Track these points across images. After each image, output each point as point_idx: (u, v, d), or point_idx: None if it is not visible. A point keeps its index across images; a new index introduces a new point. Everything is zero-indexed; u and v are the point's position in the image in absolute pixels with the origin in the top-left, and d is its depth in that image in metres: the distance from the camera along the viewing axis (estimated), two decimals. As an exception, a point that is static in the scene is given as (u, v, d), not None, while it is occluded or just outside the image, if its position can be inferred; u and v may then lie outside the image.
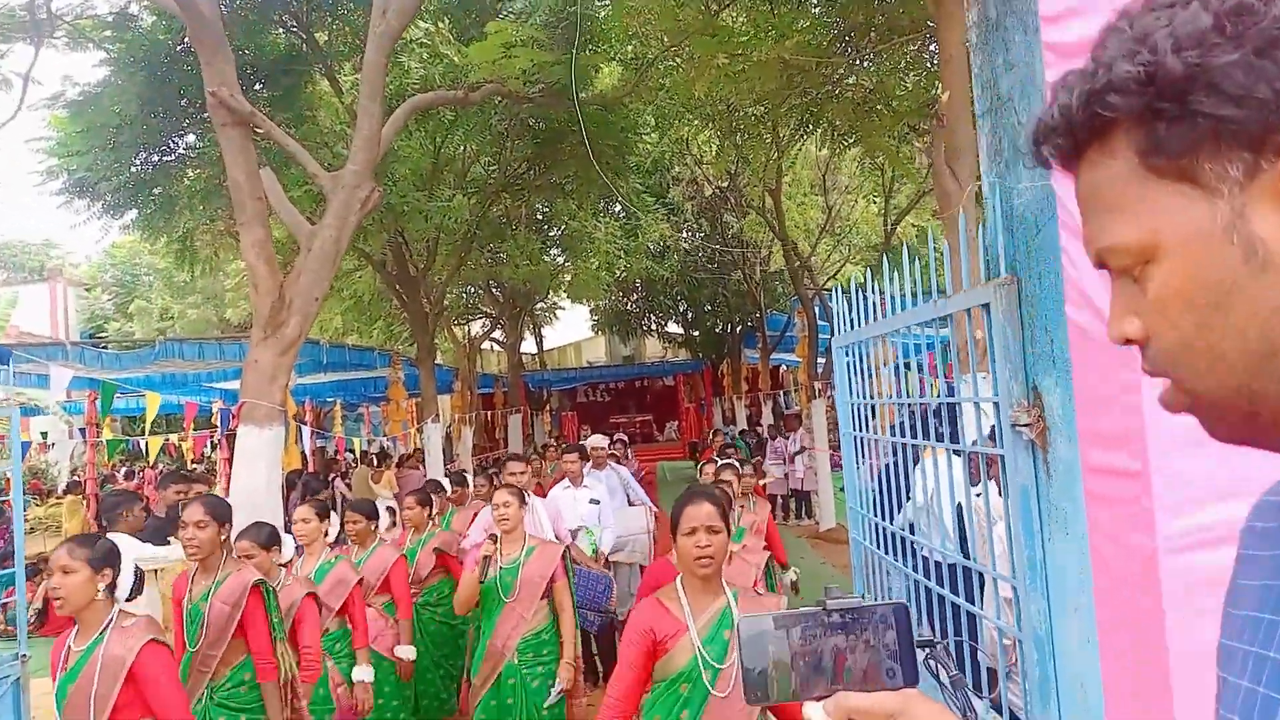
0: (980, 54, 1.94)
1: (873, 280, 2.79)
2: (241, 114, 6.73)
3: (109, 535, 3.79)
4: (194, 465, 13.14)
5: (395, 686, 4.66)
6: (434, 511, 5.94)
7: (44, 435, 14.52)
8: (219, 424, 10.16)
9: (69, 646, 2.90)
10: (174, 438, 11.77)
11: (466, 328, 17.68)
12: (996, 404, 1.87)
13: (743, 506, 5.11)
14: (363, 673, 4.26)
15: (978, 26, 1.94)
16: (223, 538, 3.63)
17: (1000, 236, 1.86)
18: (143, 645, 2.83)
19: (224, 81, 6.77)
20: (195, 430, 10.84)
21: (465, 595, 4.09)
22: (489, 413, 17.89)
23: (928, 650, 0.90)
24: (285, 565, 4.03)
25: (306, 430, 9.08)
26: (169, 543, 4.89)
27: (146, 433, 9.84)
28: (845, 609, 0.83)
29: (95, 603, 2.85)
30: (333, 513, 4.89)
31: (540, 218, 14.44)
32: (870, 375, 2.96)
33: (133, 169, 10.98)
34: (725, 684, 2.51)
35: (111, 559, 2.91)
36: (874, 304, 2.82)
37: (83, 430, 13.00)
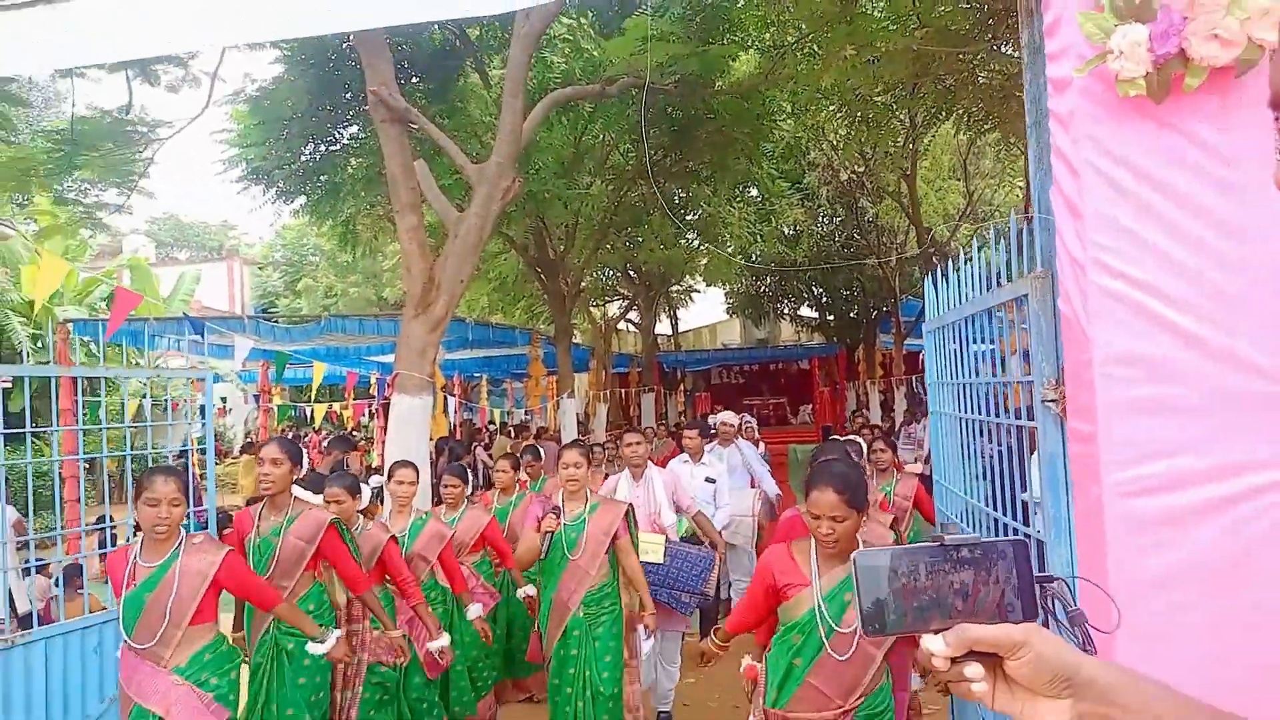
0: (1029, 73, 2.19)
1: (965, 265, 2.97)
2: (398, 111, 7.40)
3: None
4: (354, 431, 14.28)
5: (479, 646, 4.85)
6: (521, 476, 6.14)
7: (223, 400, 16.05)
8: (376, 394, 11.06)
9: (135, 563, 3.21)
10: (336, 406, 12.84)
11: (604, 309, 18.31)
12: (1032, 382, 2.14)
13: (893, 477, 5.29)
14: (474, 610, 4.56)
15: (1026, 49, 2.19)
16: (294, 477, 3.90)
17: (1038, 235, 2.11)
18: (223, 556, 3.27)
19: (383, 80, 7.45)
20: (355, 399, 11.82)
21: (525, 554, 4.17)
22: (624, 391, 18.47)
23: (1046, 587, 0.88)
24: (363, 511, 4.31)
25: (453, 401, 9.80)
26: (320, 494, 5.55)
27: (313, 400, 10.83)
28: (964, 544, 0.84)
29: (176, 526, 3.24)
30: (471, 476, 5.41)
31: (677, 202, 14.82)
32: (954, 358, 3.20)
33: (302, 158, 12.01)
34: (845, 647, 2.60)
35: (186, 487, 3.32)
36: (957, 290, 3.06)
37: (256, 397, 14.33)
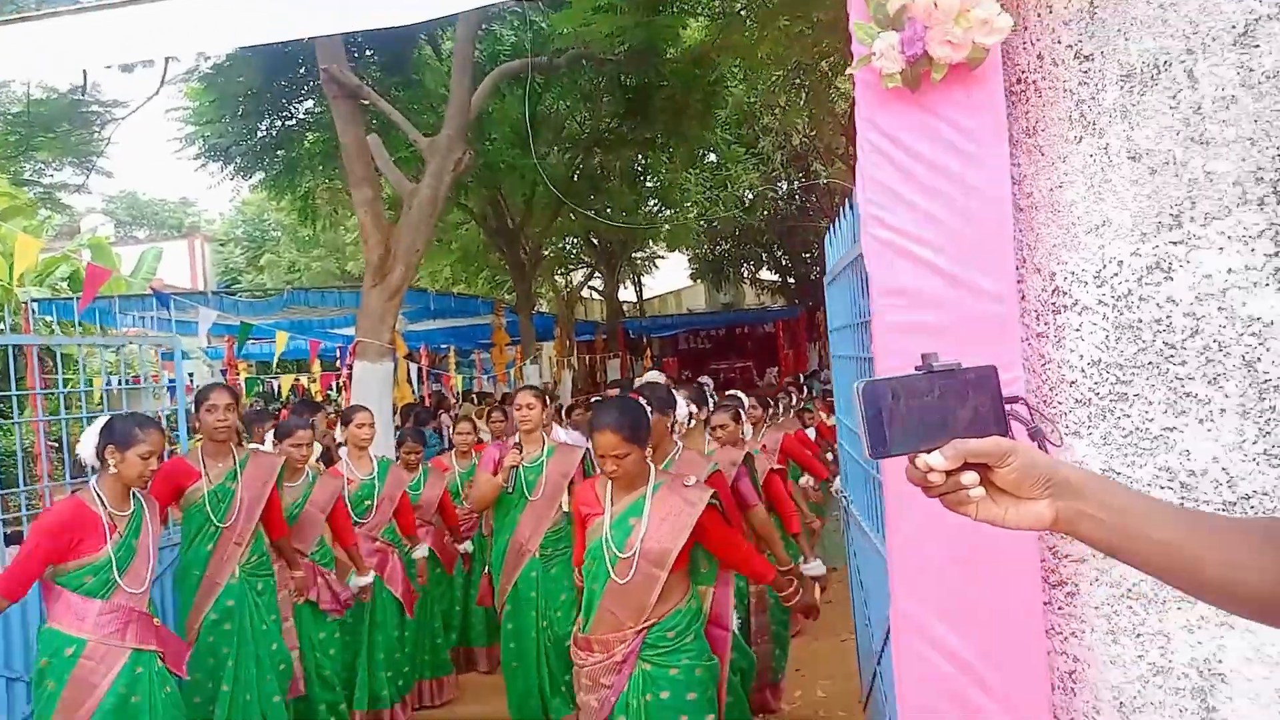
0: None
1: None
2: (349, 87, 7.73)
3: (250, 445, 4.72)
4: (324, 404, 14.61)
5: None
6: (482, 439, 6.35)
7: (190, 376, 16.31)
8: (341, 364, 11.42)
9: (111, 516, 3.23)
10: (303, 378, 13.17)
11: (567, 277, 18.69)
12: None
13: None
14: (420, 550, 4.95)
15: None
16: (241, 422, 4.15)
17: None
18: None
19: (334, 58, 7.76)
20: (321, 370, 12.15)
21: (482, 494, 4.27)
22: (589, 358, 18.91)
23: (1011, 406, 0.96)
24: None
25: (414, 368, 10.16)
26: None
27: (274, 370, 11.15)
28: (945, 369, 0.94)
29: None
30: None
31: (637, 171, 15.16)
32: (851, 303, 3.63)
33: (258, 134, 12.25)
34: (626, 570, 2.78)
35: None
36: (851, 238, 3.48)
37: (223, 372, 14.62)
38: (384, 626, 4.70)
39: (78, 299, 8.85)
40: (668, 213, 15.34)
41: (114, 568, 3.13)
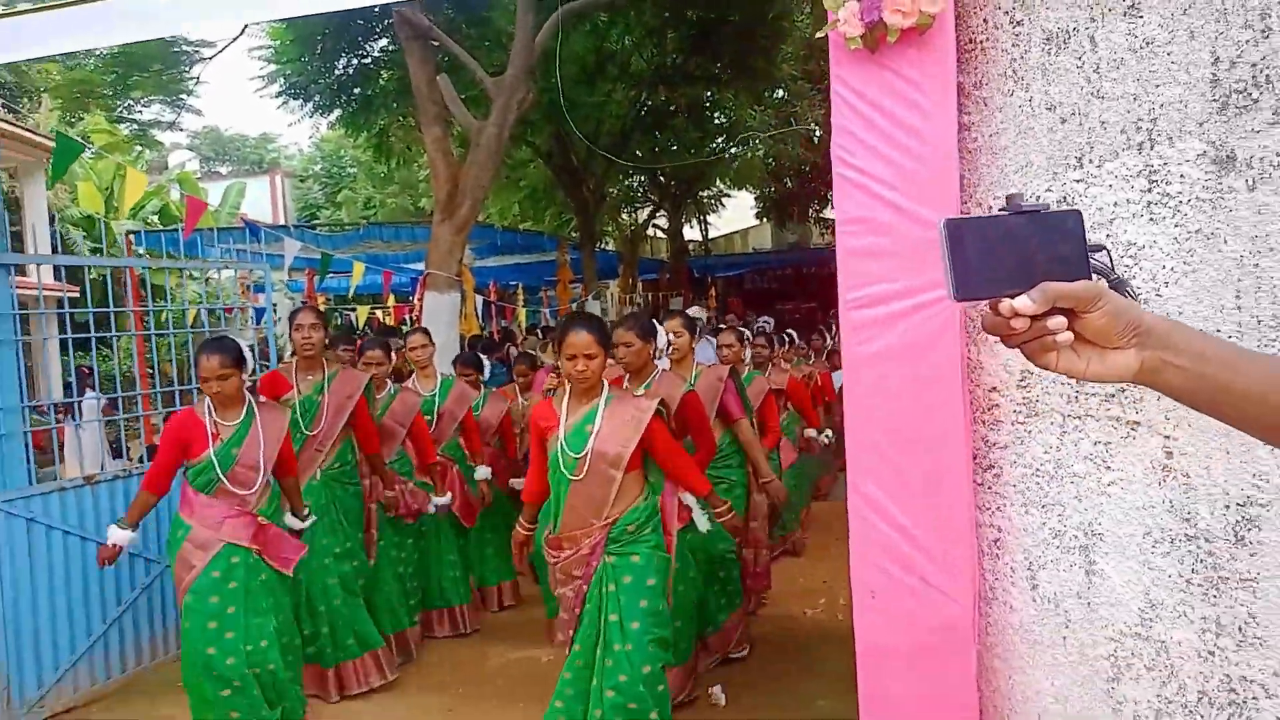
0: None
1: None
2: (420, 28, 8.21)
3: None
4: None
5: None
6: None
7: (274, 308, 17.28)
8: (413, 297, 12.11)
9: (215, 423, 3.60)
10: (378, 310, 13.93)
11: (633, 215, 19.08)
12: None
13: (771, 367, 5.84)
14: (482, 472, 5.20)
15: None
16: (326, 342, 4.45)
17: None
18: (287, 417, 3.82)
19: (407, -1, 8.24)
20: (394, 303, 12.85)
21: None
22: (653, 295, 19.37)
23: (1094, 254, 0.93)
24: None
25: (481, 302, 10.76)
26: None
27: (350, 299, 11.85)
28: (1031, 209, 0.91)
29: (239, 393, 3.64)
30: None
31: (704, 107, 15.37)
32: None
33: (336, 72, 12.86)
34: (580, 470, 3.09)
35: (244, 356, 3.63)
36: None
37: (304, 304, 15.50)
38: (444, 536, 5.17)
39: (175, 230, 9.60)
40: (733, 150, 15.56)
41: (216, 469, 3.54)
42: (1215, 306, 1.94)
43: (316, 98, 13.26)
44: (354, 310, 14.65)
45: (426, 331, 5.45)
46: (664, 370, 4.27)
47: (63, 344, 7.34)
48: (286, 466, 3.89)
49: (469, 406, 5.28)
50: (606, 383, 3.22)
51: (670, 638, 3.27)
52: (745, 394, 4.44)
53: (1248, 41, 1.85)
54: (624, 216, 18.81)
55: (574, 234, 15.28)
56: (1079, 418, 2.20)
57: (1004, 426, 2.39)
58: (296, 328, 4.38)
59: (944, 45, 2.32)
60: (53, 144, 9.24)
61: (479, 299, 10.71)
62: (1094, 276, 0.90)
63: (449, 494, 4.98)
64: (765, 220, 21.39)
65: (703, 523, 3.74)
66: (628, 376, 4.00)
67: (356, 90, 13.22)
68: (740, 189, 18.50)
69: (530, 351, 7.57)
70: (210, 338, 3.76)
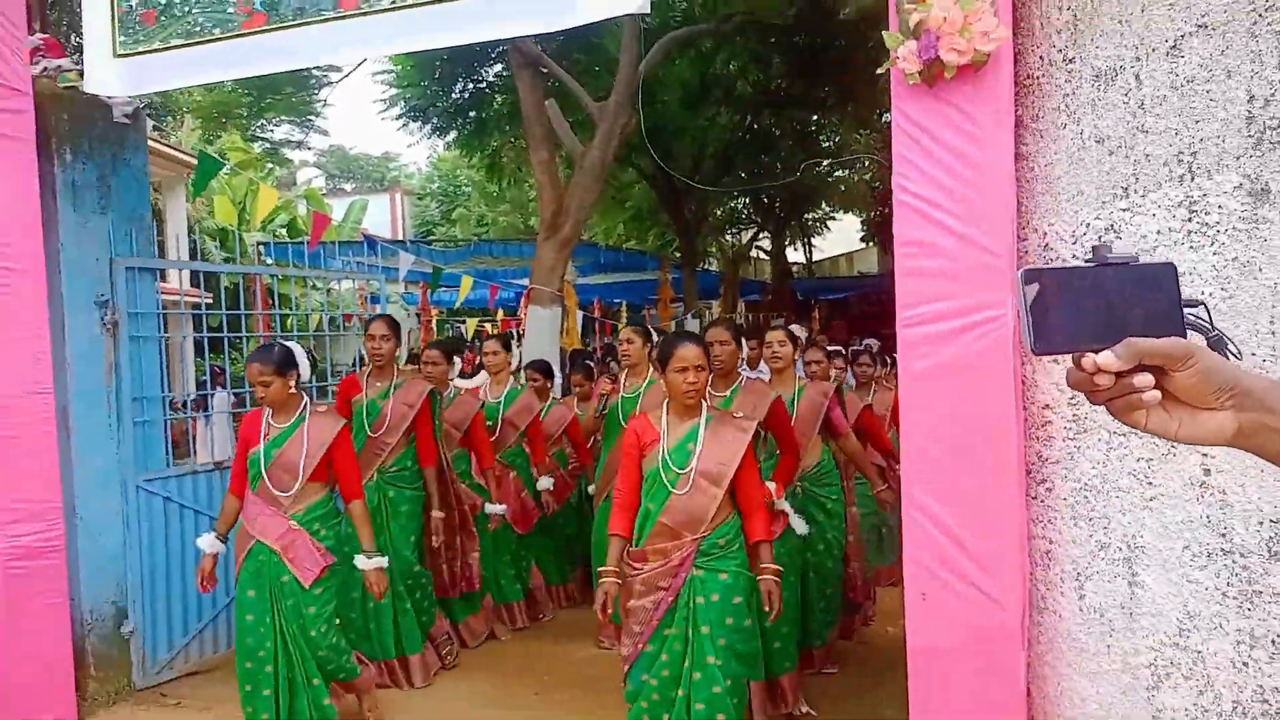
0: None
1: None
2: (530, 56, 8.63)
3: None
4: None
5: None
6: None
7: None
8: (520, 310, 12.57)
9: (268, 423, 3.66)
10: (486, 324, 14.49)
11: (737, 236, 19.25)
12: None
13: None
14: (544, 483, 5.25)
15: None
16: (397, 353, 4.54)
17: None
18: (340, 427, 3.74)
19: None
20: (503, 316, 13.36)
21: (586, 427, 4.93)
22: (754, 316, 19.48)
23: (1189, 309, 0.87)
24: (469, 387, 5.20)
25: (581, 316, 11.12)
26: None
27: (457, 309, 12.38)
28: (1119, 261, 0.85)
29: (291, 396, 3.66)
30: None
31: (809, 132, 15.47)
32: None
33: (453, 96, 13.52)
34: (684, 485, 3.11)
35: (292, 363, 3.65)
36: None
37: (418, 316, 16.21)
38: (500, 535, 5.20)
39: (301, 242, 10.26)
40: (838, 173, 15.59)
41: (261, 464, 3.62)
42: (1251, 331, 2.04)
43: (434, 120, 13.95)
44: (463, 322, 15.25)
45: (503, 339, 5.66)
46: (749, 377, 4.26)
47: (197, 345, 7.95)
48: (350, 486, 3.80)
49: (535, 415, 5.33)
50: (704, 402, 3.27)
51: (757, 653, 3.36)
52: (845, 408, 4.48)
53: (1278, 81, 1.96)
54: (727, 238, 19.00)
55: (676, 254, 15.55)
56: (1124, 435, 2.31)
57: (1056, 443, 2.51)
58: (369, 337, 4.56)
59: (999, 80, 2.47)
60: (194, 160, 10.00)
61: (581, 315, 11.05)
62: (1189, 333, 0.85)
63: (502, 504, 5.01)
64: (870, 244, 21.25)
65: (800, 525, 3.91)
66: (710, 382, 3.92)
67: (471, 114, 13.83)
68: (846, 212, 18.48)
69: (589, 363, 7.69)
70: (260, 345, 3.88)
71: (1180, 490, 2.19)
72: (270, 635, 3.62)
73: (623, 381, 4.93)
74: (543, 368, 5.84)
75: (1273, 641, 2.03)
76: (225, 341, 6.34)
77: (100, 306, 4.23)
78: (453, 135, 14.36)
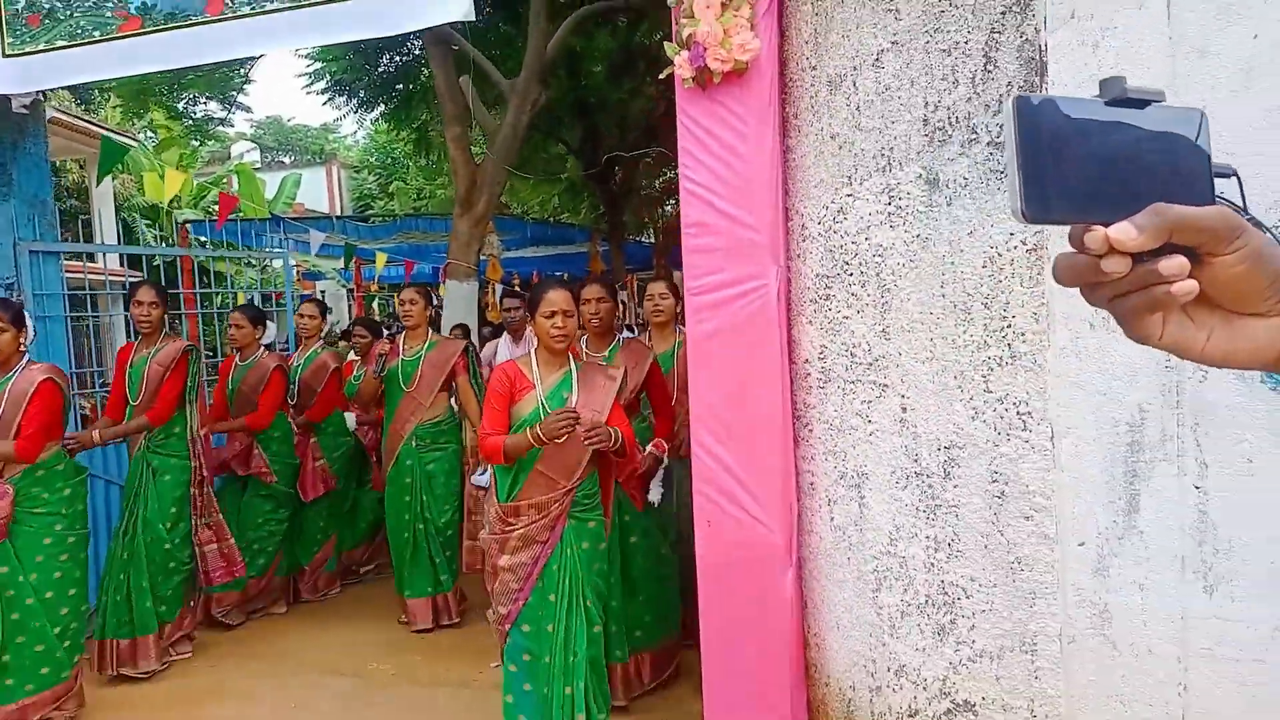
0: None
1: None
2: (443, 34, 8.97)
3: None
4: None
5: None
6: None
7: (322, 293, 18.41)
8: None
9: None
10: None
11: (662, 208, 19.71)
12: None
13: None
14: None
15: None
16: (166, 317, 4.65)
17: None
18: (40, 380, 3.70)
19: (432, 7, 9.01)
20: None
21: (365, 389, 5.08)
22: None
23: (1225, 177, 0.65)
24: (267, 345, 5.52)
25: (500, 290, 11.53)
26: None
27: (376, 284, 12.76)
28: (1138, 96, 0.63)
29: (16, 353, 3.71)
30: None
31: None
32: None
33: (379, 69, 13.78)
34: None
35: (21, 320, 3.72)
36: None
37: (350, 291, 16.49)
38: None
39: (232, 220, 10.57)
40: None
41: None
42: (930, 293, 2.56)
43: (361, 94, 14.18)
44: (393, 297, 15.57)
45: (318, 302, 6.05)
46: (628, 337, 4.32)
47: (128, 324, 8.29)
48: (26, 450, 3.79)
49: (328, 374, 5.67)
50: (571, 352, 3.34)
51: (606, 596, 3.44)
52: None
53: (944, 91, 2.47)
54: (665, 209, 19.45)
55: (605, 226, 15.99)
56: (853, 382, 2.84)
57: (814, 391, 3.03)
58: (137, 303, 4.60)
59: (760, 84, 2.97)
60: (121, 138, 10.20)
61: (502, 288, 11.47)
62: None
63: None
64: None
65: (655, 493, 4.01)
66: (585, 340, 4.11)
67: (399, 87, 14.08)
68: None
69: (374, 319, 8.16)
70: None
71: (888, 425, 2.72)
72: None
73: (401, 344, 5.01)
74: (369, 324, 6.57)
75: (949, 544, 2.57)
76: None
77: (5, 289, 4.61)
78: (379, 110, 14.61)
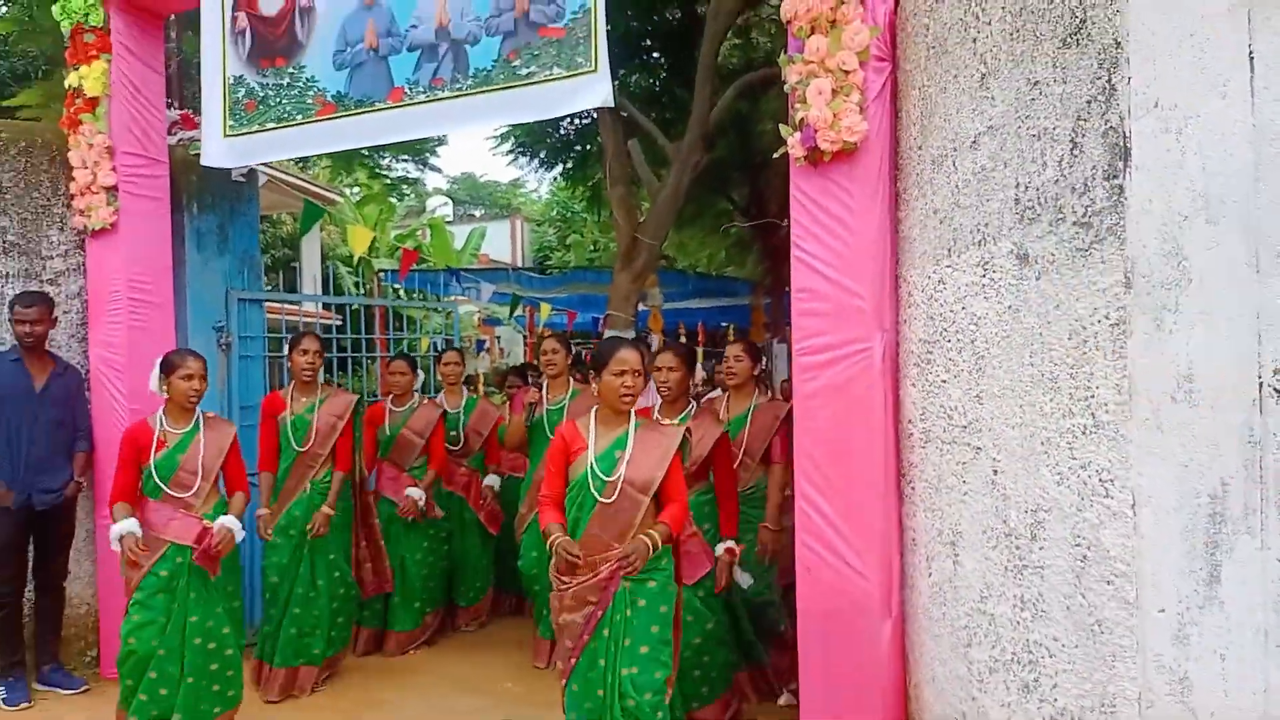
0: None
1: None
2: (608, 104, 9.53)
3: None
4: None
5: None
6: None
7: (499, 339, 19.48)
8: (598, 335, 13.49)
9: (164, 430, 3.92)
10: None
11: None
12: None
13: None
14: (490, 479, 5.85)
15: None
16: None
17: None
18: (234, 433, 4.11)
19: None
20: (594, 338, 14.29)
21: (512, 435, 5.06)
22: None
23: None
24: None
25: (655, 340, 11.93)
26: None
27: (540, 329, 13.48)
28: None
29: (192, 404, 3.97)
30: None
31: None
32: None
33: (559, 132, 14.65)
34: (611, 493, 3.14)
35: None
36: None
37: (525, 337, 17.38)
38: (466, 540, 5.86)
39: (424, 269, 11.49)
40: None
41: (154, 475, 3.87)
42: (1019, 362, 2.67)
43: (541, 154, 15.09)
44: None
45: (459, 351, 6.21)
46: (701, 406, 4.29)
47: (326, 364, 9.14)
48: (235, 483, 4.16)
49: (492, 423, 5.93)
50: (633, 411, 3.32)
51: (671, 666, 3.24)
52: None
53: (1034, 173, 2.61)
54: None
55: (768, 280, 16.19)
56: (951, 443, 2.96)
57: (916, 450, 3.17)
58: (302, 351, 4.81)
59: (869, 162, 3.18)
60: (329, 194, 11.28)
61: (657, 339, 11.87)
62: None
63: (419, 490, 5.42)
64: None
65: (744, 579, 4.00)
66: (657, 408, 4.15)
67: (577, 148, 14.90)
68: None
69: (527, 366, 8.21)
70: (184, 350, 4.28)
71: (980, 486, 2.83)
72: (176, 637, 3.82)
73: (545, 393, 5.10)
74: (522, 372, 6.79)
75: (1034, 604, 2.64)
76: (349, 362, 7.31)
77: (217, 331, 5.34)
78: (558, 168, 15.47)
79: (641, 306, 10.93)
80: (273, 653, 4.79)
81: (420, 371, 5.69)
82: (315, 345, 4.83)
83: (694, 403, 4.22)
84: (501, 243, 27.52)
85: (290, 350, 4.87)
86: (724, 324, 17.67)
